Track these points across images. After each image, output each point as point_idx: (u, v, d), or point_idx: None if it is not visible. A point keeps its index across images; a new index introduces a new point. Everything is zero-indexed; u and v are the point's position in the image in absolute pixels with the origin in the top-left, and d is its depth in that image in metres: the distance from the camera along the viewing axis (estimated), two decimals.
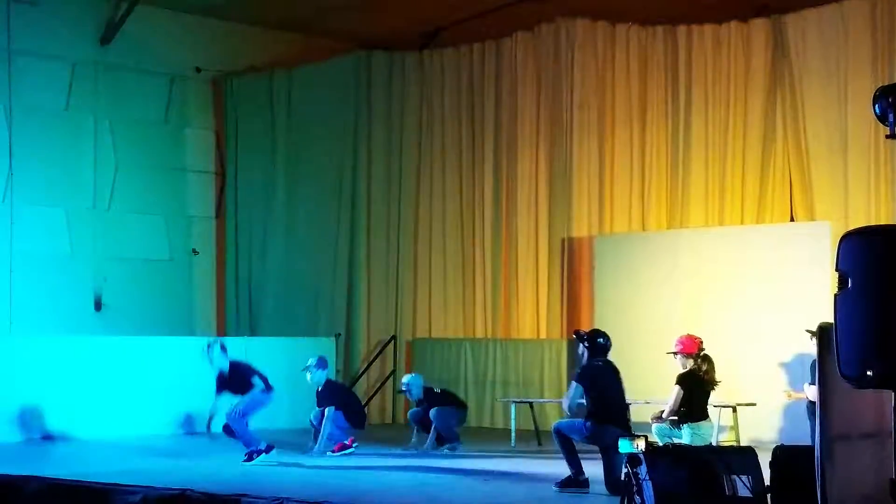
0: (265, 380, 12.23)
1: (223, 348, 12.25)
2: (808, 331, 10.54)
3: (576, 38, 16.11)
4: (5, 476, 10.36)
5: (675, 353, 10.89)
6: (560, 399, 13.27)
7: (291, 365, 16.02)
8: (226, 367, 12.15)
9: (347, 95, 17.75)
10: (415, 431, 13.49)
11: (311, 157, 17.89)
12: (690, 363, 10.79)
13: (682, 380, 10.70)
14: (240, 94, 18.24)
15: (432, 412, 13.20)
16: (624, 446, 7.43)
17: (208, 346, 12.28)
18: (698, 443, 10.36)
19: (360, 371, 17.11)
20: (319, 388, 12.94)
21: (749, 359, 13.24)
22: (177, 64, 17.66)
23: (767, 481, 7.75)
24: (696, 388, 10.72)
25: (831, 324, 5.80)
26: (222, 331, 17.42)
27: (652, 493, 7.45)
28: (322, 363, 12.99)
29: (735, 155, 14.97)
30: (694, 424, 10.56)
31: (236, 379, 12.17)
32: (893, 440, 5.72)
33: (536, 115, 16.56)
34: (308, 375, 12.93)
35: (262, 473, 11.19)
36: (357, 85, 17.75)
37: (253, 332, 17.52)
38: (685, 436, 10.52)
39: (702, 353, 10.89)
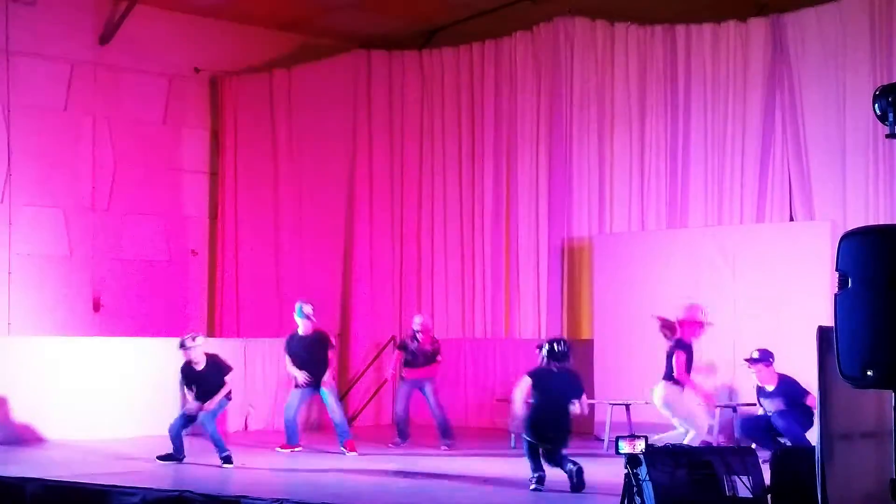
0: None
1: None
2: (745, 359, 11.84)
3: (575, 38, 16.11)
4: (4, 477, 10.35)
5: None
6: None
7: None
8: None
9: (347, 95, 17.73)
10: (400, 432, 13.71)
11: (310, 157, 17.85)
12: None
13: None
14: (239, 94, 18.21)
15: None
16: (622, 447, 7.42)
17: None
18: None
19: (361, 371, 17.09)
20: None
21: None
22: (175, 64, 17.62)
23: (767, 482, 7.76)
24: None
25: (831, 326, 5.79)
26: (220, 331, 17.38)
27: (652, 493, 7.44)
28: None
29: (734, 154, 14.96)
30: None
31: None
32: (894, 440, 5.71)
33: (536, 115, 16.55)
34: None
35: (262, 475, 11.17)
36: (357, 84, 17.73)
37: (250, 333, 17.47)
38: None
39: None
